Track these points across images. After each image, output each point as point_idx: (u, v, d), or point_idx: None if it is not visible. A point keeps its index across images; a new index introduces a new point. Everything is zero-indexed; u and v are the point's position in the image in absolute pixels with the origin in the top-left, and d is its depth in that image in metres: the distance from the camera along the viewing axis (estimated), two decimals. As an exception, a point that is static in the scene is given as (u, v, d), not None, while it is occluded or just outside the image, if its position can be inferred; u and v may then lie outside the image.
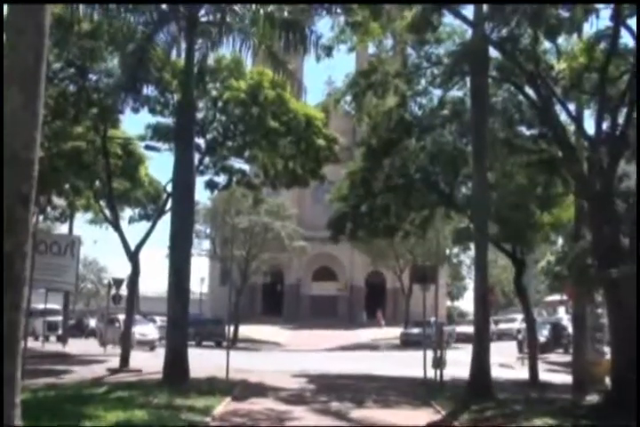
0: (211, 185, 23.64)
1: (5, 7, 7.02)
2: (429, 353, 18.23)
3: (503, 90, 20.14)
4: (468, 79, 19.00)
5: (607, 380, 14.87)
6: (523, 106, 19.53)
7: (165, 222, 19.43)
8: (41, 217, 26.49)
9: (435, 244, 29.00)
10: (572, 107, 17.02)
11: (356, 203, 22.72)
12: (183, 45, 17.97)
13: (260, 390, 16.99)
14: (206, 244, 51.14)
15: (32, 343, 25.30)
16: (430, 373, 18.04)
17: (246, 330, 44.23)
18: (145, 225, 24.80)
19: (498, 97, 20.23)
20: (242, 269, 43.49)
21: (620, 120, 14.42)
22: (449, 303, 76.67)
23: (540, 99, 15.89)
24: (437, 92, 21.24)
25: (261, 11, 16.77)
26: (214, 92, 22.49)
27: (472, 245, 19.75)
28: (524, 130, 20.45)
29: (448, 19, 18.45)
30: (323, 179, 24.37)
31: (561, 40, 16.50)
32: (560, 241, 27.23)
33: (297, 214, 51.05)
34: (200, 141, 22.54)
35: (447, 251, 48.49)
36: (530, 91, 16.88)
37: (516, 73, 16.89)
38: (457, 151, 21.14)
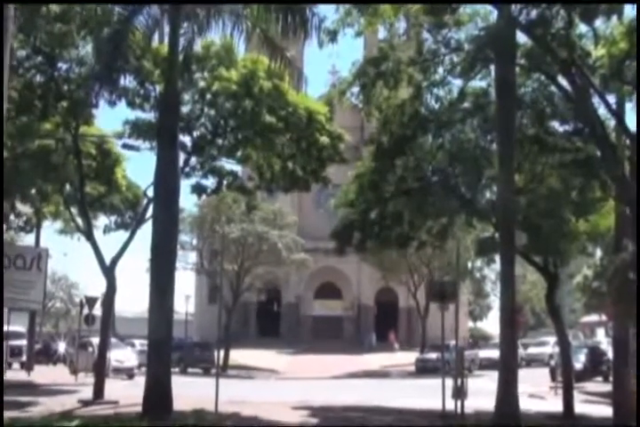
0: (198, 189, 23.62)
1: None
2: (449, 382, 18.20)
3: (533, 80, 20.13)
4: (492, 68, 18.98)
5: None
6: (555, 98, 19.52)
7: (146, 232, 19.41)
8: (4, 226, 26.54)
9: (454, 256, 28.95)
10: (611, 99, 16.97)
11: (364, 209, 22.66)
12: (166, 29, 18.02)
13: (254, 425, 16.95)
14: (193, 256, 51.18)
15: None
16: (450, 404, 18.00)
17: (238, 355, 44.21)
18: (122, 235, 24.81)
19: (526, 88, 20.22)
20: (233, 285, 43.48)
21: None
22: (471, 324, 76.67)
23: (574, 90, 15.90)
24: (457, 83, 21.18)
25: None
26: (202, 83, 22.49)
27: (497, 258, 19.71)
28: (556, 126, 20.44)
29: (469, -2, 18.49)
30: (326, 182, 24.38)
31: (599, 23, 16.49)
32: (598, 253, 27.19)
33: (296, 222, 51.05)
34: (186, 139, 22.55)
35: (469, 264, 48.41)
36: (563, 81, 16.88)
37: (547, 61, 16.90)
38: (480, 150, 21.09)
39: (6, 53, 6.52)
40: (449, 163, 21.57)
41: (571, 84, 16.05)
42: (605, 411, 18.59)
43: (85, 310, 31.57)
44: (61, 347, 43.98)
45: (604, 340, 36.22)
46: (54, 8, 18.81)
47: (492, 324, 79.80)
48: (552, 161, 19.63)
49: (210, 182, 23.95)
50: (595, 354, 32.01)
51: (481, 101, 20.75)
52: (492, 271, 58.48)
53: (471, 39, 19.12)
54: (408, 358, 44.64)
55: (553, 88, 18.70)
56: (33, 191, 23.66)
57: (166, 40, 18.17)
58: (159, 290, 17.26)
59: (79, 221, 24.74)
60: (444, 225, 22.70)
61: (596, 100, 16.37)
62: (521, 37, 17.32)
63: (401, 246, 25.26)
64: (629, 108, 17.55)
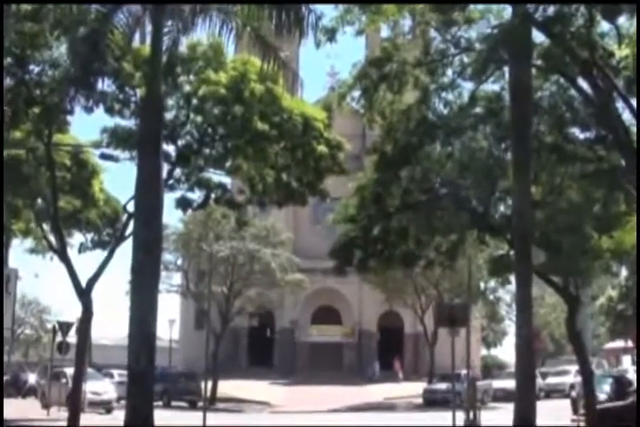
0: (183, 203, 23.62)
1: None
2: (460, 415, 18.13)
3: (551, 82, 20.19)
4: (506, 69, 19.05)
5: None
6: (575, 102, 19.57)
7: (126, 251, 19.35)
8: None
9: (465, 276, 28.91)
10: (636, 103, 17.04)
11: (366, 225, 22.63)
12: (148, 28, 17.97)
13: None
14: (177, 278, 51.23)
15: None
16: (462, 440, 17.93)
17: (228, 386, 44.05)
18: (100, 254, 24.74)
19: (544, 91, 20.28)
20: (222, 309, 43.39)
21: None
22: (484, 352, 76.45)
23: (596, 93, 15.93)
24: (468, 86, 21.25)
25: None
26: (187, 87, 22.54)
27: (512, 278, 19.67)
28: (577, 133, 20.51)
29: (481, -6, 18.56)
30: (324, 195, 24.41)
31: (622, 20, 16.58)
32: (623, 272, 27.24)
33: (291, 240, 51.00)
34: (170, 149, 22.56)
35: (481, 285, 48.37)
36: (584, 83, 16.92)
37: (566, 61, 16.93)
38: (493, 160, 21.14)
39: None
40: (459, 173, 21.57)
41: (592, 88, 16.09)
42: (633, 447, 18.51)
43: (58, 337, 31.47)
44: (32, 378, 43.75)
45: (630, 368, 36.10)
46: (25, 5, 18.81)
47: (507, 351, 79.89)
48: (572, 171, 19.66)
49: (196, 196, 23.92)
50: (620, 384, 31.82)
51: (494, 106, 20.82)
52: (506, 293, 58.39)
53: (483, 38, 19.15)
54: (415, 388, 44.48)
55: (573, 91, 18.75)
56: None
57: (148, 40, 18.13)
58: (140, 315, 17.14)
59: (52, 238, 24.66)
60: (453, 242, 22.72)
61: (619, 104, 16.40)
62: (538, 36, 17.36)
63: (407, 266, 25.28)
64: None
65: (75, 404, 22.15)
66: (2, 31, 10.77)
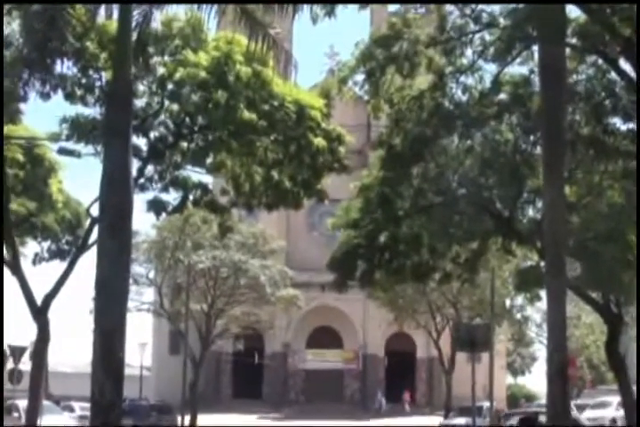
0: (156, 206, 23.53)
1: None
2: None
3: (587, 64, 20.25)
4: (535, 49, 18.93)
5: None
6: (616, 88, 19.61)
7: (89, 262, 19.33)
8: None
9: (488, 292, 28.95)
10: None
11: (371, 231, 22.78)
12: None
13: None
14: (149, 293, 51.16)
15: None
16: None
17: (209, 420, 43.96)
18: (58, 266, 24.72)
19: (580, 75, 20.32)
20: (202, 330, 43.40)
21: None
22: (510, 381, 76.46)
23: (640, 77, 15.97)
24: (491, 69, 21.37)
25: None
26: (161, 70, 22.48)
27: (543, 294, 19.70)
28: (618, 123, 20.56)
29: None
30: (322, 196, 24.31)
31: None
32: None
33: (284, 249, 51.01)
34: (140, 142, 22.57)
35: (507, 302, 48.42)
36: (626, 66, 16.95)
37: (605, 40, 16.96)
38: (520, 155, 21.22)
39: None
40: (480, 171, 21.71)
41: (636, 70, 16.10)
42: None
43: (10, 364, 31.41)
44: (-22, 411, 43.69)
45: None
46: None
47: (537, 379, 79.68)
48: (613, 169, 19.69)
49: (172, 197, 23.93)
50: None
51: (521, 92, 20.88)
52: (536, 312, 58.57)
53: (508, 12, 19.24)
54: (429, 423, 44.47)
55: (613, 75, 18.80)
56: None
57: (115, 15, 18.17)
58: (105, 337, 17.12)
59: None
60: (474, 252, 22.93)
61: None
62: (572, 10, 17.43)
63: (419, 279, 25.42)
64: None
65: (29, 442, 22.16)
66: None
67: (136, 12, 18.35)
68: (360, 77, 20.85)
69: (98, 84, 21.73)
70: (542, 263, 19.40)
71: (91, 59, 21.19)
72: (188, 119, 22.82)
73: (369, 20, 47.72)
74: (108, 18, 19.51)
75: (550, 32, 16.91)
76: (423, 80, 21.02)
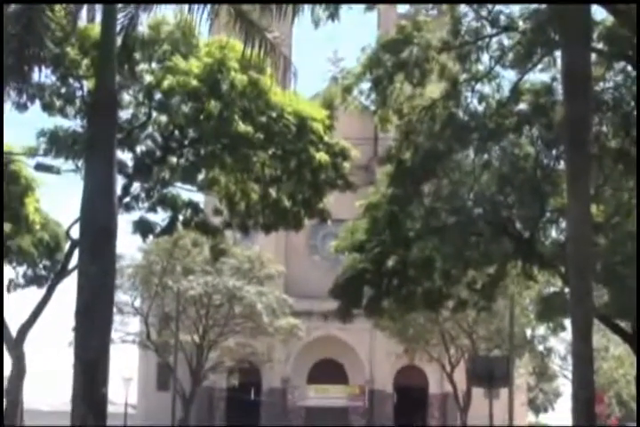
0: (143, 227, 23.59)
1: None
2: None
3: (615, 71, 20.23)
4: (558, 54, 19.03)
5: None
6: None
7: (68, 289, 19.24)
8: None
9: (507, 321, 28.83)
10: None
11: (378, 254, 22.79)
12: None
13: None
14: (135, 323, 50.91)
15: None
16: None
17: (200, 464, 43.88)
18: (35, 294, 24.65)
19: (607, 82, 20.29)
20: (192, 363, 43.23)
21: None
22: (532, 418, 76.15)
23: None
24: (509, 76, 21.36)
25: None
26: (148, 78, 22.59)
27: (568, 323, 19.61)
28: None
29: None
30: (325, 216, 24.40)
31: None
32: None
33: (283, 274, 50.87)
34: (126, 157, 22.68)
35: (527, 333, 48.24)
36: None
37: (634, 45, 16.95)
38: (542, 170, 21.21)
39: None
40: (498, 188, 21.72)
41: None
42: None
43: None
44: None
45: None
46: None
47: (561, 417, 79.23)
48: (644, 185, 19.64)
49: (160, 218, 23.96)
50: None
51: (542, 102, 20.91)
52: (560, 342, 58.33)
53: (528, 14, 19.22)
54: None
55: (643, 82, 18.78)
56: None
57: (98, 18, 18.16)
58: (87, 370, 17.05)
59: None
60: (492, 277, 22.94)
61: None
62: (598, 12, 17.41)
63: (431, 307, 25.39)
64: None
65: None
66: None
67: (121, 15, 18.35)
68: (366, 86, 20.95)
69: (79, 93, 21.82)
70: (566, 289, 19.29)
71: (71, 66, 21.23)
72: (177, 132, 22.92)
73: (376, 22, 47.80)
74: (91, 21, 19.53)
75: (575, 36, 16.88)
76: (435, 88, 21.06)
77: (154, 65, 22.58)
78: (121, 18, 18.46)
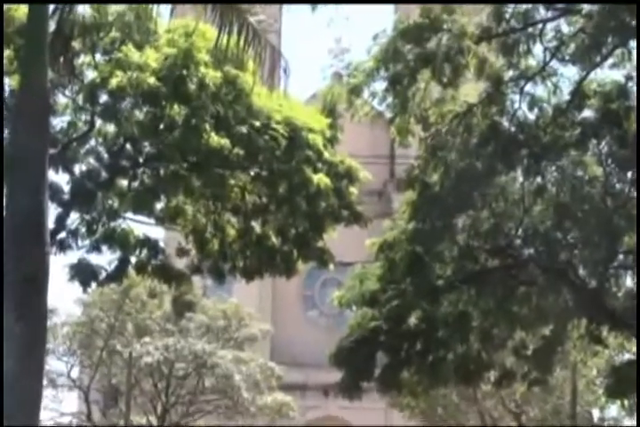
0: (82, 273, 23.44)
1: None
2: None
3: None
4: (634, 46, 19.41)
5: None
6: None
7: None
8: None
9: (567, 398, 28.60)
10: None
11: (396, 309, 22.64)
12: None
13: None
14: (72, 400, 51.20)
15: None
16: None
17: None
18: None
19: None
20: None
21: None
22: None
23: None
24: (570, 73, 21.44)
25: None
26: (91, 74, 22.41)
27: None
28: None
29: None
30: (325, 258, 24.23)
31: None
32: None
33: (269, 334, 50.76)
34: (61, 179, 22.64)
35: (594, 413, 48.18)
36: None
37: None
38: (612, 198, 21.27)
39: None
40: (556, 222, 21.64)
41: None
42: None
43: None
44: None
45: None
46: None
47: None
48: None
49: (105, 260, 23.96)
50: None
51: (614, 107, 20.96)
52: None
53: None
54: None
55: None
56: None
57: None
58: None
59: None
60: (547, 340, 22.93)
61: None
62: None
63: (466, 381, 25.52)
64: None
65: None
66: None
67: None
68: (380, 86, 21.02)
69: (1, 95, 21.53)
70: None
71: (-8, 60, 21.07)
72: (129, 146, 22.83)
73: (392, 5, 47.95)
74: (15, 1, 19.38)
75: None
76: (472, 90, 21.22)
77: (98, 57, 22.52)
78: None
